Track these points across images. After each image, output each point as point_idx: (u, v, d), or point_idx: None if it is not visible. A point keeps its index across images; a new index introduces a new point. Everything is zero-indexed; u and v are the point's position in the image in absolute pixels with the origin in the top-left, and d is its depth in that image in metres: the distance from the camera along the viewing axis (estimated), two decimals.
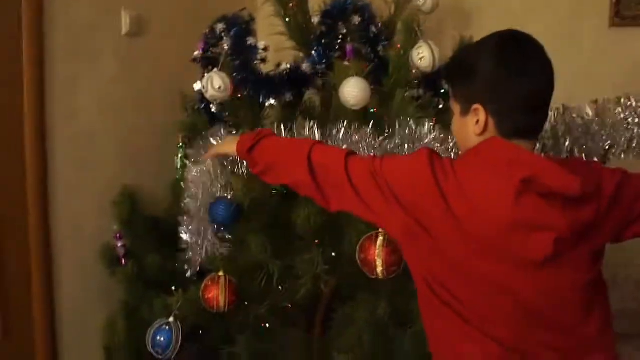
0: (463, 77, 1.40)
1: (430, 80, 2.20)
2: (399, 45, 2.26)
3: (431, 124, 1.77)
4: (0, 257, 2.16)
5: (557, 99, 2.63)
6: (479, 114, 1.35)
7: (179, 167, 2.22)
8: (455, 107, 1.44)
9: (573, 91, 2.64)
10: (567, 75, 2.67)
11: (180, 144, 2.19)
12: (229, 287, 1.84)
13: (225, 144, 1.78)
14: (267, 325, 1.95)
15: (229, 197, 1.79)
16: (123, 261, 2.28)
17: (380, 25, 2.25)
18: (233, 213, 1.77)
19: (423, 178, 1.34)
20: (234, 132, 2.19)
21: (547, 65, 1.36)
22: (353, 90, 1.80)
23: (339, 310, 2.01)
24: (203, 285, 1.88)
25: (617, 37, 2.70)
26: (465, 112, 1.39)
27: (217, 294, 1.83)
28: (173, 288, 2.01)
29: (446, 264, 1.33)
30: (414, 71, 2.01)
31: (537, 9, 2.78)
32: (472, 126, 1.37)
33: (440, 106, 2.21)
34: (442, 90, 2.29)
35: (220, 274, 1.86)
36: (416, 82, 2.06)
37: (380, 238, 1.62)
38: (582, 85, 2.64)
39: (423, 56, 1.93)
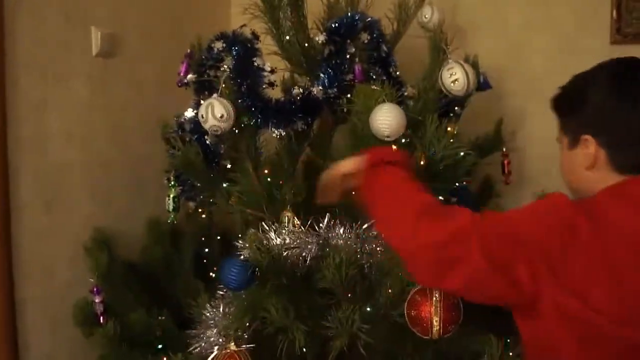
0: (572, 106, 1.32)
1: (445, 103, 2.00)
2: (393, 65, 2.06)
3: None
4: None
5: None
6: (589, 145, 1.27)
7: (171, 209, 1.91)
8: (564, 140, 1.35)
9: None
10: None
11: (172, 183, 1.89)
12: (249, 359, 1.58)
13: (355, 158, 1.50)
14: None
15: (242, 257, 1.52)
16: (102, 319, 1.94)
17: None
18: (249, 277, 1.50)
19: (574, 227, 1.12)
20: (229, 166, 1.96)
21: None
22: (387, 119, 1.57)
23: None
24: None
25: (619, 54, 2.56)
26: (573, 144, 1.31)
27: None
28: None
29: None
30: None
31: (536, 26, 2.64)
32: (580, 159, 1.28)
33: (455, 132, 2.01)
34: (451, 115, 2.10)
35: (233, 347, 1.58)
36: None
37: (437, 292, 1.37)
38: None
39: (457, 78, 1.72)
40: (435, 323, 1.38)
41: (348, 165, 1.50)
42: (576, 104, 1.28)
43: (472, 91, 1.99)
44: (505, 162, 2.21)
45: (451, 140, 1.65)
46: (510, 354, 1.54)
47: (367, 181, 1.41)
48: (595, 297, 1.09)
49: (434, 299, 1.38)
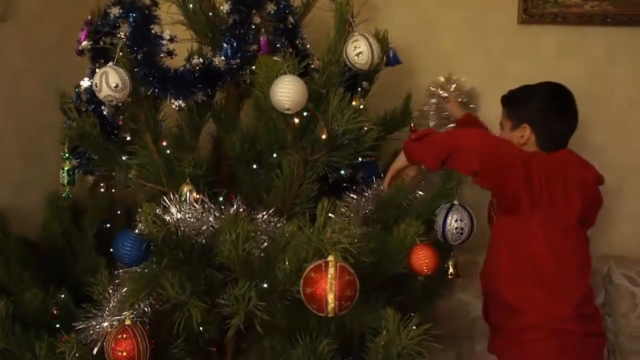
0: (521, 102, 2.00)
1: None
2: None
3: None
4: None
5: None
6: (525, 131, 1.96)
7: (65, 182, 1.82)
8: (507, 124, 2.03)
9: (484, 84, 2.58)
10: (477, 68, 2.60)
11: (66, 155, 1.80)
12: (146, 334, 1.53)
13: (395, 161, 1.95)
14: None
15: (138, 231, 1.46)
16: None
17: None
18: (144, 251, 1.45)
19: None
20: (128, 138, 1.88)
21: (577, 111, 2.01)
22: (287, 91, 1.53)
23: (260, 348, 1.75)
24: (111, 339, 1.54)
25: (525, 34, 2.64)
26: (514, 128, 1.99)
27: (132, 346, 1.51)
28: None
29: None
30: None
31: (446, 4, 2.66)
32: (516, 139, 1.97)
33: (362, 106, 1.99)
34: (359, 89, 2.08)
35: (128, 322, 1.54)
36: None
37: (332, 269, 1.35)
38: (492, 80, 2.60)
39: (360, 51, 1.70)
40: (330, 300, 1.36)
41: (395, 165, 1.94)
42: (525, 101, 1.99)
43: (379, 66, 1.98)
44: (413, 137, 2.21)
45: (355, 115, 1.63)
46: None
47: (413, 150, 1.88)
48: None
49: (329, 276, 1.35)
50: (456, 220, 1.84)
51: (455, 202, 1.88)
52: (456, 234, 1.84)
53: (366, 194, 1.84)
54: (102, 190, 1.99)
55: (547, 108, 1.96)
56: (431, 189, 1.99)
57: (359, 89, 2.06)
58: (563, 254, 1.88)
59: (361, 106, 1.94)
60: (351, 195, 1.84)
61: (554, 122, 1.96)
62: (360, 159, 1.78)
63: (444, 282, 2.14)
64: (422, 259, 1.69)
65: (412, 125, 2.23)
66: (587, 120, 2.54)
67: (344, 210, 1.68)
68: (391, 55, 2.18)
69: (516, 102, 2.02)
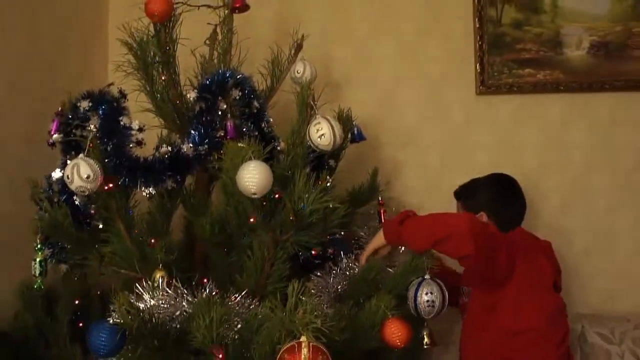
0: (473, 194, 2.23)
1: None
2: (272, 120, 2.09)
3: None
4: None
5: (432, 162, 2.65)
6: (483, 218, 2.15)
7: (37, 274, 1.83)
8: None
9: (447, 155, 2.67)
10: (440, 140, 2.70)
11: (39, 246, 1.82)
12: None
13: (373, 240, 2.00)
14: None
15: (112, 321, 1.47)
16: None
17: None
18: (118, 341, 1.46)
19: None
20: (101, 226, 1.90)
21: (524, 196, 2.23)
22: (253, 177, 1.58)
23: None
24: None
25: (484, 104, 2.74)
26: None
27: None
28: None
29: None
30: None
31: (407, 80, 2.77)
32: None
33: (329, 184, 2.04)
34: (326, 167, 2.14)
35: None
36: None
37: (305, 349, 1.37)
38: (455, 150, 2.67)
39: (323, 133, 1.77)
40: None
41: (373, 244, 1.99)
42: (474, 194, 2.22)
43: (343, 144, 2.05)
44: (382, 211, 2.27)
45: (320, 194, 1.68)
46: None
47: (401, 232, 1.91)
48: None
49: (302, 357, 1.37)
50: (426, 294, 1.87)
51: (427, 276, 1.91)
52: (428, 307, 1.87)
53: (337, 270, 1.87)
54: (76, 278, 1.98)
55: (498, 196, 2.19)
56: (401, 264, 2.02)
57: (326, 167, 2.13)
58: (554, 317, 2.03)
59: (328, 184, 2.01)
60: (322, 273, 1.87)
61: (507, 208, 2.19)
62: (329, 236, 1.82)
63: (421, 352, 2.15)
64: (395, 332, 1.71)
65: (379, 199, 2.28)
66: (545, 184, 2.65)
67: (313, 291, 1.70)
68: (356, 132, 2.26)
69: (468, 194, 2.24)
